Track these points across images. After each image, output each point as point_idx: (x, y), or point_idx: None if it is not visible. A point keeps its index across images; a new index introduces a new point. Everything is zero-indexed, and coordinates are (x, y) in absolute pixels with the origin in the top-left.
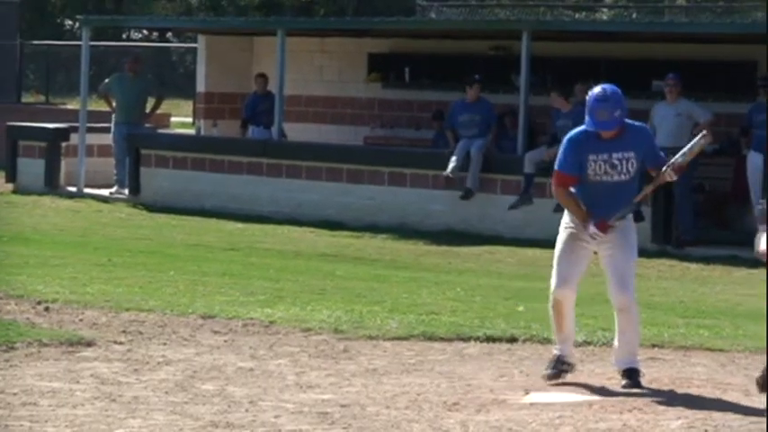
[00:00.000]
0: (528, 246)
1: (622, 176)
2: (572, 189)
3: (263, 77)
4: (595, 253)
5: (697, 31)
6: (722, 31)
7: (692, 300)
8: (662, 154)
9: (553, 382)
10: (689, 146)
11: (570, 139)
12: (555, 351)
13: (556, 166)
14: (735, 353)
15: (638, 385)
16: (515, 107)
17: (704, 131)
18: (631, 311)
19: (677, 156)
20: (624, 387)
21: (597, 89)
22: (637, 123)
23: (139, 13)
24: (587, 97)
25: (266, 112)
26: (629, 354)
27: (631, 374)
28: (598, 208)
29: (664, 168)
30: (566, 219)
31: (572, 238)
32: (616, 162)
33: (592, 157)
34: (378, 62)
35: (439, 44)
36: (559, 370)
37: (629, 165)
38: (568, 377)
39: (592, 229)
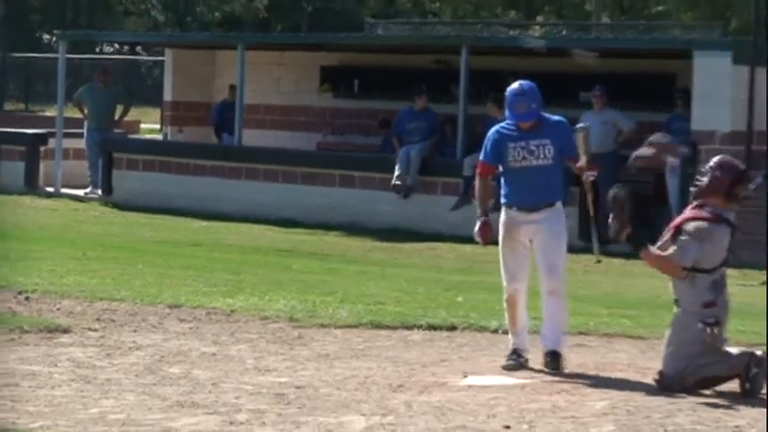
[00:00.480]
0: (466, 242)
1: (541, 161)
2: (493, 181)
3: (234, 88)
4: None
5: (621, 46)
6: (644, 47)
7: (614, 292)
8: (574, 146)
9: (512, 372)
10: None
11: (492, 134)
12: (511, 345)
13: (480, 158)
14: (654, 340)
15: (557, 368)
16: (455, 116)
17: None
18: (560, 295)
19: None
20: (545, 366)
21: (515, 84)
22: (554, 117)
23: (111, 29)
24: (507, 91)
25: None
26: (555, 336)
27: (554, 356)
28: (526, 192)
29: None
30: (502, 218)
31: (509, 237)
32: (533, 148)
33: (511, 144)
34: (329, 74)
35: (385, 58)
36: (517, 362)
37: (546, 150)
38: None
39: (478, 225)
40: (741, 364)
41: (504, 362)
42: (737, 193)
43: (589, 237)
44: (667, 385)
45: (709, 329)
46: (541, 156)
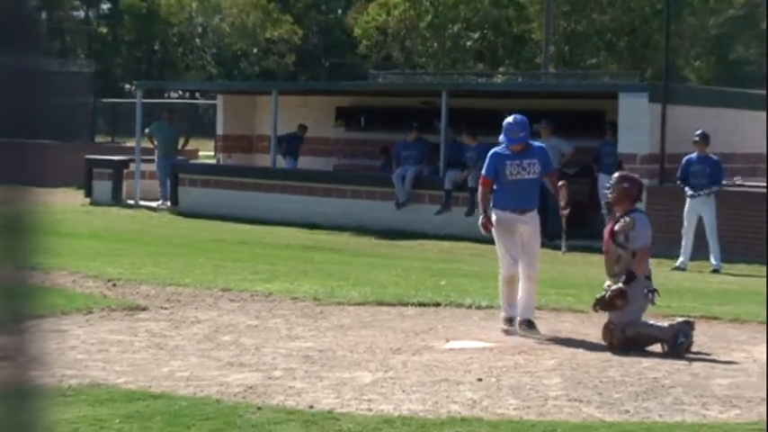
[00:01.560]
0: (447, 240)
1: (531, 175)
2: (493, 189)
3: (303, 126)
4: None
5: (563, 89)
6: (581, 90)
7: (561, 276)
8: (553, 164)
9: (511, 335)
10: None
11: (492, 154)
12: (505, 314)
13: (482, 172)
14: (591, 313)
15: (532, 329)
16: (438, 144)
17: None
18: (534, 280)
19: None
20: (522, 330)
21: (509, 117)
22: (537, 143)
23: (176, 80)
24: (504, 123)
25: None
26: (529, 308)
27: (530, 324)
28: (519, 197)
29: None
30: (494, 217)
31: (507, 233)
32: (526, 165)
33: (508, 163)
34: (343, 113)
35: (385, 100)
36: (512, 326)
37: (534, 168)
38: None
39: (482, 220)
40: (671, 332)
41: (504, 327)
42: (640, 196)
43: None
44: (612, 330)
45: (651, 295)
46: (531, 171)
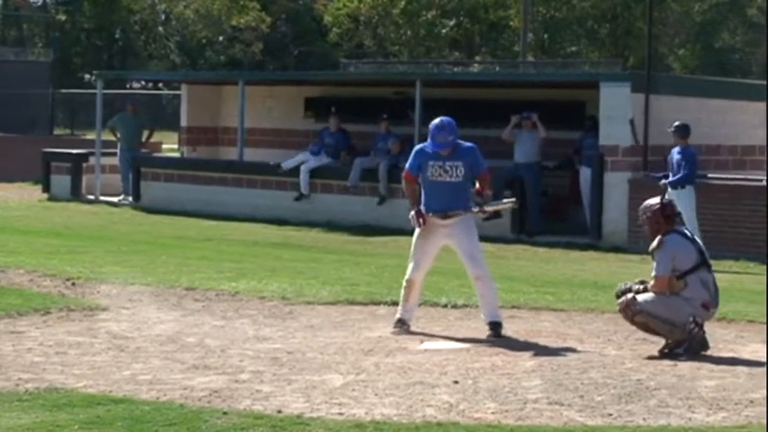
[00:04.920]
0: None
1: (453, 178)
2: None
3: (335, 116)
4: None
5: (543, 79)
6: (560, 79)
7: (540, 274)
8: (484, 165)
9: (397, 335)
10: (500, 203)
11: (416, 150)
12: (399, 315)
13: (406, 166)
14: (572, 312)
15: (498, 335)
16: (412, 135)
17: (514, 199)
18: (485, 279)
19: (490, 203)
20: (488, 336)
21: (436, 120)
22: (467, 144)
23: (138, 69)
24: (429, 126)
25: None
26: (492, 310)
27: (494, 326)
28: (440, 200)
29: (476, 209)
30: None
31: (425, 235)
32: (448, 168)
33: (431, 163)
34: (312, 103)
35: (356, 90)
36: (402, 328)
37: (458, 171)
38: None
39: (412, 214)
40: (681, 337)
41: (392, 329)
42: (669, 214)
43: (519, 230)
44: (631, 306)
45: (693, 326)
46: (453, 174)
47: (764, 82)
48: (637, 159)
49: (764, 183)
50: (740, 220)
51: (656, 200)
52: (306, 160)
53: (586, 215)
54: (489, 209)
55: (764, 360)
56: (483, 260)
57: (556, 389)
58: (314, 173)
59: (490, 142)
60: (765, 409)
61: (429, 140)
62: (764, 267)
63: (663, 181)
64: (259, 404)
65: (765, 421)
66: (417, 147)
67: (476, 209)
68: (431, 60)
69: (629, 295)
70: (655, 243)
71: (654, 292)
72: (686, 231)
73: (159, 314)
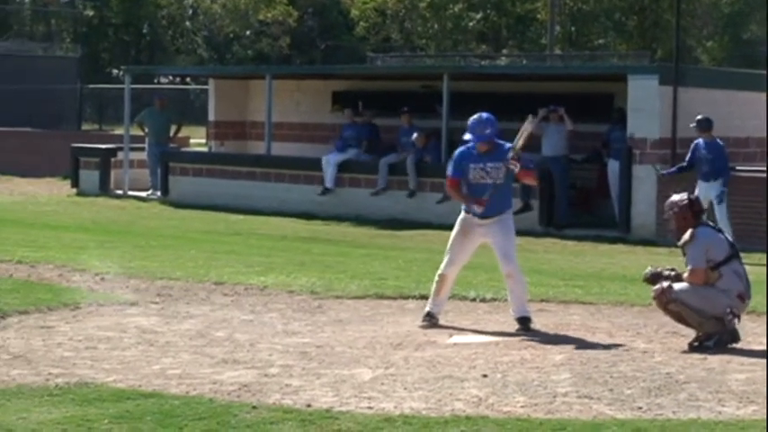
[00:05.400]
0: (450, 230)
1: (495, 180)
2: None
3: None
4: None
5: (570, 72)
6: (588, 72)
7: (568, 267)
8: (528, 163)
9: (426, 329)
10: (519, 133)
11: (456, 155)
12: (428, 308)
13: (447, 173)
14: (601, 305)
15: (527, 330)
16: (439, 129)
17: (530, 117)
18: (516, 276)
19: (514, 143)
20: (517, 331)
21: (476, 115)
22: (508, 144)
23: (166, 64)
24: (470, 120)
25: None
26: (520, 305)
27: (523, 321)
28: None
29: (510, 155)
30: (461, 215)
31: (464, 231)
32: (489, 169)
33: (472, 165)
34: (339, 97)
35: (383, 84)
36: (430, 322)
37: (499, 172)
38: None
39: (474, 206)
40: (712, 330)
41: (420, 322)
42: (697, 210)
43: (548, 224)
44: (666, 293)
45: (730, 317)
46: (495, 177)
47: None
48: (665, 152)
49: None
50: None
51: (682, 195)
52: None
53: (615, 208)
54: (518, 144)
55: None
56: (516, 258)
57: (585, 382)
58: (342, 167)
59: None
60: (766, 408)
61: (469, 134)
62: None
63: (662, 172)
64: (288, 398)
65: (766, 416)
66: (456, 152)
67: (510, 155)
68: (458, 54)
69: (665, 283)
70: (687, 236)
71: (689, 282)
72: (713, 225)
73: (188, 308)
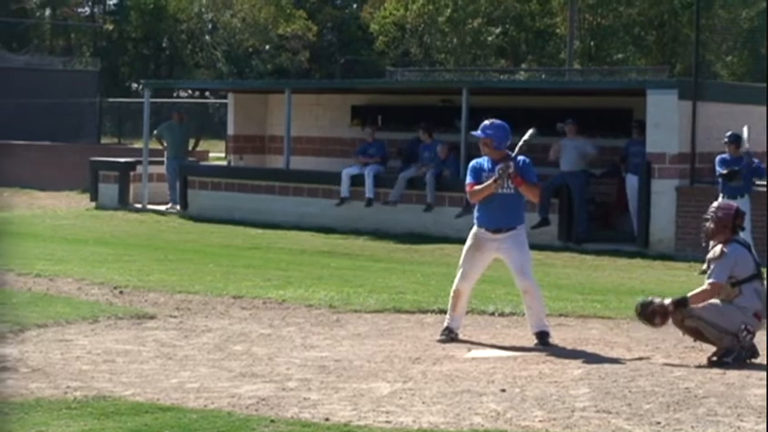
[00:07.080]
0: None
1: (506, 190)
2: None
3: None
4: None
5: (589, 87)
6: (606, 87)
7: (587, 281)
8: (532, 177)
9: (444, 343)
10: (520, 143)
11: (472, 164)
12: (446, 324)
13: (466, 182)
14: (619, 320)
15: (546, 344)
16: (458, 143)
17: (531, 130)
18: (532, 291)
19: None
20: (536, 345)
21: (486, 121)
22: (521, 157)
23: (185, 78)
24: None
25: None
26: (538, 321)
27: (541, 336)
28: (493, 214)
29: (499, 167)
30: (474, 229)
31: (476, 245)
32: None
33: (485, 175)
34: (358, 112)
35: (402, 98)
36: (449, 336)
37: (510, 183)
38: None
39: (497, 170)
40: (731, 345)
41: (439, 336)
42: (739, 224)
43: (566, 238)
44: (682, 301)
45: (744, 333)
46: (506, 186)
47: None
48: (684, 167)
49: None
50: None
51: (730, 203)
52: (370, 171)
53: (633, 223)
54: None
55: None
56: (532, 273)
57: (603, 397)
58: (359, 181)
59: (536, 150)
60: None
61: (479, 130)
62: None
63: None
64: (306, 412)
65: (766, 423)
66: (471, 163)
67: (499, 168)
68: (477, 68)
69: (666, 301)
70: (717, 251)
71: (704, 291)
72: (744, 241)
73: (207, 322)
